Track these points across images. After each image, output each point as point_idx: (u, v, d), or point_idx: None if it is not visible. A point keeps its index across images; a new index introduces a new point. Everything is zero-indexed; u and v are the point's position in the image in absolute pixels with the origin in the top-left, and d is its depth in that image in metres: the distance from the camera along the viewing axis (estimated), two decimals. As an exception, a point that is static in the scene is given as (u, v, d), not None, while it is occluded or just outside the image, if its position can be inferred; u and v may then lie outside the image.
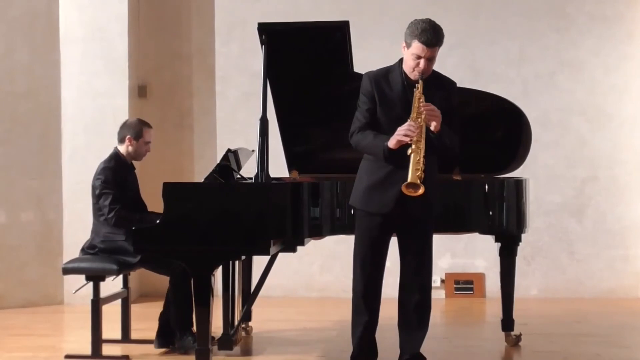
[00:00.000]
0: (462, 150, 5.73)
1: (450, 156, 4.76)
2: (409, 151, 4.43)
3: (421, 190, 4.38)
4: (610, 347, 5.82)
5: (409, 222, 4.71)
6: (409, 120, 4.48)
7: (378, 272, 4.78)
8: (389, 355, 5.01)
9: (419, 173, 4.39)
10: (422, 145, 4.43)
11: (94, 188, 5.66)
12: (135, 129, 5.76)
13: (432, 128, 4.50)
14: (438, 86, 4.65)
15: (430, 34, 4.52)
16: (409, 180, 4.38)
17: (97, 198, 5.63)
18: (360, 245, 4.76)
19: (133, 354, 5.58)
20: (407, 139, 4.44)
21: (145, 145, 5.81)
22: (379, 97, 4.64)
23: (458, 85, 5.88)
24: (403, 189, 4.40)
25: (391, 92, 4.63)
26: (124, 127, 5.81)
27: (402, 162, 4.49)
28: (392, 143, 4.50)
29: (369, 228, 4.72)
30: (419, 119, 4.47)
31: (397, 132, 4.48)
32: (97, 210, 5.66)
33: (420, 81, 4.53)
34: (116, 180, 5.64)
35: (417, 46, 4.53)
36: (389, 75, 4.67)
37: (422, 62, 4.53)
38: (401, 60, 4.69)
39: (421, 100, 4.49)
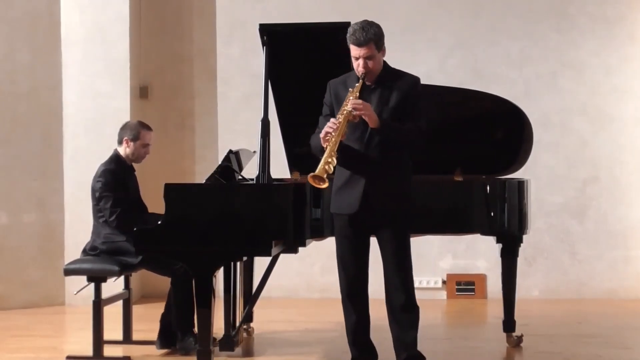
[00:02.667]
0: (464, 151, 5.79)
1: (411, 150, 4.75)
2: (324, 145, 4.51)
3: (324, 185, 4.44)
4: (612, 348, 5.82)
5: (379, 221, 4.72)
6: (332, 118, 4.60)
7: (360, 271, 4.82)
8: (390, 355, 5.01)
9: (326, 167, 4.44)
10: (337, 139, 4.48)
11: (94, 190, 5.66)
12: (134, 131, 5.75)
13: (370, 124, 4.56)
14: (396, 83, 4.71)
15: (358, 34, 4.62)
16: (315, 172, 4.43)
17: (97, 200, 5.62)
18: (338, 246, 4.84)
19: (134, 355, 5.58)
20: (324, 135, 4.52)
21: (144, 147, 5.79)
22: (336, 103, 4.74)
23: (458, 86, 5.90)
24: (309, 179, 4.46)
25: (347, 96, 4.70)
26: (123, 128, 5.81)
27: (360, 161, 4.63)
28: (322, 142, 4.58)
29: (341, 228, 4.80)
30: (340, 116, 4.54)
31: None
32: (97, 212, 5.66)
33: (360, 80, 4.62)
34: (116, 183, 5.64)
35: (351, 48, 4.67)
36: (347, 80, 4.78)
37: (360, 62, 4.63)
38: None
39: (351, 98, 4.57)
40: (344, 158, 4.65)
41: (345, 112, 4.53)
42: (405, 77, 4.76)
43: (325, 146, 4.50)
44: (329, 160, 4.45)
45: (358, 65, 4.65)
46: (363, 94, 4.63)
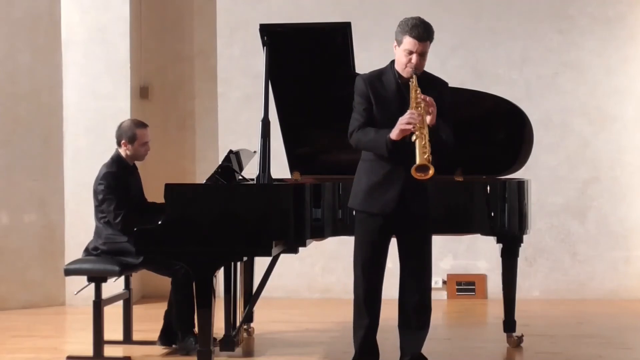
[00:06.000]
0: (464, 151, 5.78)
1: (445, 152, 4.72)
2: (414, 137, 4.44)
3: (431, 172, 4.36)
4: (613, 348, 5.81)
5: (409, 223, 4.71)
6: (408, 110, 4.50)
7: (378, 275, 4.78)
8: (391, 356, 5.02)
9: (426, 156, 4.37)
10: (426, 131, 4.43)
11: (96, 192, 5.65)
12: (129, 133, 5.71)
13: (427, 121, 4.50)
14: (430, 86, 4.67)
15: (421, 29, 4.60)
16: (417, 162, 4.36)
17: (99, 203, 5.61)
18: (360, 248, 4.76)
19: (135, 355, 5.58)
20: (409, 127, 4.45)
21: (143, 146, 5.76)
22: (374, 98, 4.66)
23: (459, 86, 5.90)
24: (413, 173, 4.37)
25: (385, 92, 4.66)
26: (119, 130, 5.76)
27: (402, 159, 4.52)
28: (394, 134, 4.50)
29: (369, 231, 4.72)
30: (419, 108, 4.48)
31: (398, 122, 4.49)
32: (99, 213, 5.65)
33: (414, 76, 4.56)
34: (119, 184, 5.62)
35: (408, 41, 4.60)
36: (382, 77, 4.71)
37: (414, 57, 4.59)
38: (393, 61, 4.73)
39: (418, 92, 4.51)
40: (383, 156, 4.58)
41: (422, 104, 4.46)
42: (438, 80, 4.77)
43: (413, 138, 4.41)
44: (426, 150, 4.38)
45: (409, 60, 4.58)
46: (402, 93, 4.59)
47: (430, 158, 4.38)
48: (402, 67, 4.63)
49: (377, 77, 4.72)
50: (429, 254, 4.80)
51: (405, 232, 4.75)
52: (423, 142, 4.40)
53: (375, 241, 4.72)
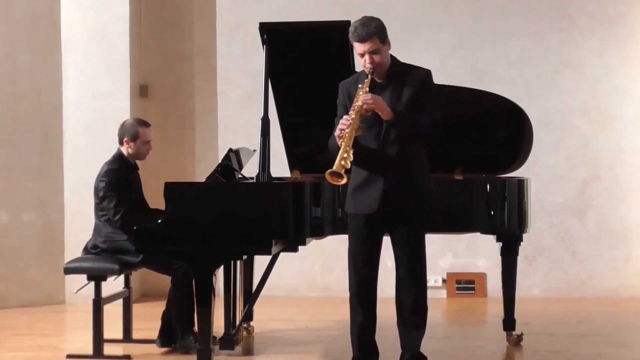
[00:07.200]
0: (464, 149, 5.79)
1: (428, 143, 4.71)
2: (339, 142, 4.48)
3: (343, 181, 4.40)
4: (613, 347, 5.81)
5: (398, 222, 4.71)
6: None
7: (371, 272, 4.79)
8: (391, 355, 5.02)
9: (342, 162, 4.39)
10: (350, 135, 4.44)
11: (97, 190, 5.66)
12: (131, 131, 5.74)
13: (383, 117, 4.53)
14: (407, 77, 4.68)
15: (360, 30, 4.60)
16: (333, 168, 4.39)
17: (100, 200, 5.63)
18: (352, 246, 4.79)
19: (135, 353, 5.59)
20: (339, 132, 4.50)
21: (145, 144, 5.78)
22: (349, 103, 4.71)
23: (460, 85, 5.91)
24: (327, 177, 4.42)
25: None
26: (122, 128, 5.79)
27: (376, 161, 4.59)
28: (337, 140, 4.56)
29: (357, 228, 4.75)
30: (352, 112, 4.52)
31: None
32: (99, 211, 5.66)
33: (369, 76, 4.60)
34: (120, 182, 5.63)
35: (355, 45, 4.65)
36: (358, 79, 4.76)
37: (366, 57, 4.61)
38: None
39: (360, 93, 4.55)
40: (361, 158, 4.58)
41: (356, 107, 4.50)
42: (416, 71, 4.74)
43: (340, 143, 4.47)
44: (345, 155, 4.40)
45: (365, 62, 4.62)
46: (375, 91, 4.59)
47: (347, 164, 4.40)
48: (365, 69, 4.67)
49: (354, 81, 4.77)
50: (422, 252, 4.77)
51: (395, 231, 4.74)
52: (344, 148, 4.42)
53: (365, 239, 4.73)
